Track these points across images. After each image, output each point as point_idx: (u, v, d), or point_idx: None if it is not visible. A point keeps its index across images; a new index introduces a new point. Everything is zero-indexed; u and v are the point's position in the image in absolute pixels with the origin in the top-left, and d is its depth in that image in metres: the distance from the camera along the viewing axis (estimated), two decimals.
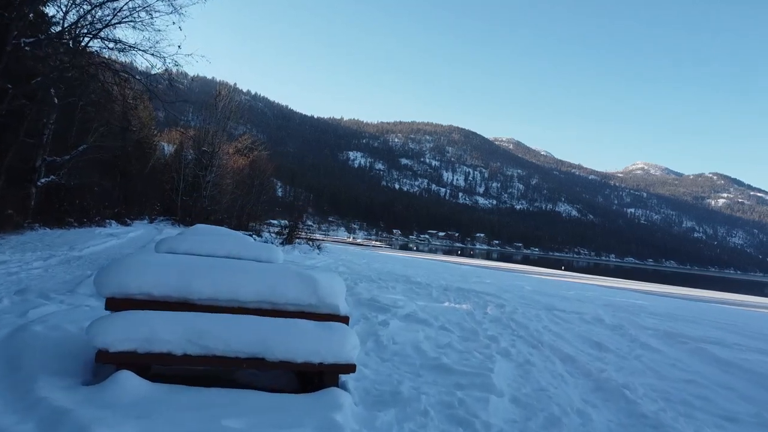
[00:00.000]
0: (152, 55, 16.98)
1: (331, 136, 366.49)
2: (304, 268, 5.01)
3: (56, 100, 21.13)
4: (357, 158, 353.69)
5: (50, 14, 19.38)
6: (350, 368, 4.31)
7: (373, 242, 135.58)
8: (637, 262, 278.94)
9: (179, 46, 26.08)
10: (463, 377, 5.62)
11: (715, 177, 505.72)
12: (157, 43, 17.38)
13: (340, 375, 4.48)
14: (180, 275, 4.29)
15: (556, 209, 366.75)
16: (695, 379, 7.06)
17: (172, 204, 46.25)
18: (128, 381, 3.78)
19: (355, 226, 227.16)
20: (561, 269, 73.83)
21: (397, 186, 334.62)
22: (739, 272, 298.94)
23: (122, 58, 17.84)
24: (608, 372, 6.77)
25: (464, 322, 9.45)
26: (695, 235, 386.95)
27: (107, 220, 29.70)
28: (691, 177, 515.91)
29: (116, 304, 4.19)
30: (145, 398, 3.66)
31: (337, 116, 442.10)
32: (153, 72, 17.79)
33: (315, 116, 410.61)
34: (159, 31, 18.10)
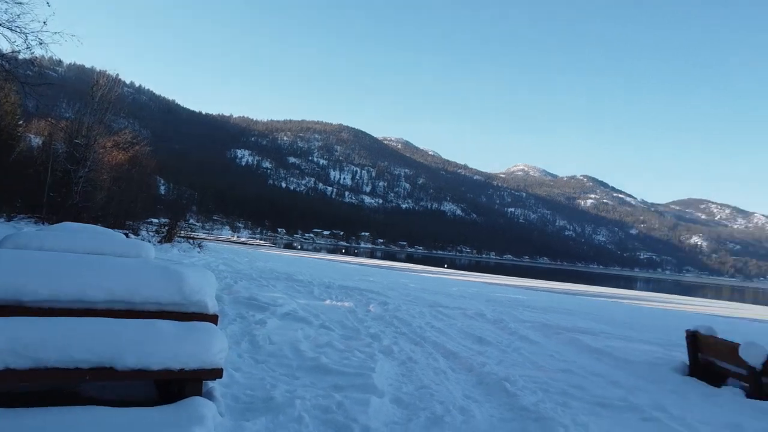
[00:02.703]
0: (10, 29, 14.98)
1: (220, 134, 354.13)
2: (169, 263, 4.48)
3: None
4: (245, 156, 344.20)
5: None
6: (216, 373, 3.84)
7: (257, 241, 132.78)
8: (514, 259, 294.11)
9: (44, 23, 22.56)
10: (342, 378, 5.33)
11: (585, 179, 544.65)
12: (18, 16, 15.11)
13: (205, 382, 4.00)
14: (10, 273, 3.63)
15: (442, 208, 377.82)
16: (570, 369, 7.25)
17: (38, 200, 42.27)
18: None
19: (240, 225, 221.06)
20: (444, 267, 76.02)
21: (284, 185, 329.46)
22: (601, 267, 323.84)
23: None
24: (490, 366, 6.77)
25: (346, 320, 9.20)
26: (566, 233, 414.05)
27: None
28: (565, 179, 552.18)
29: None
30: None
31: (227, 113, 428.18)
32: (12, 49, 15.70)
33: (203, 112, 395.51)
34: (20, 3, 15.85)
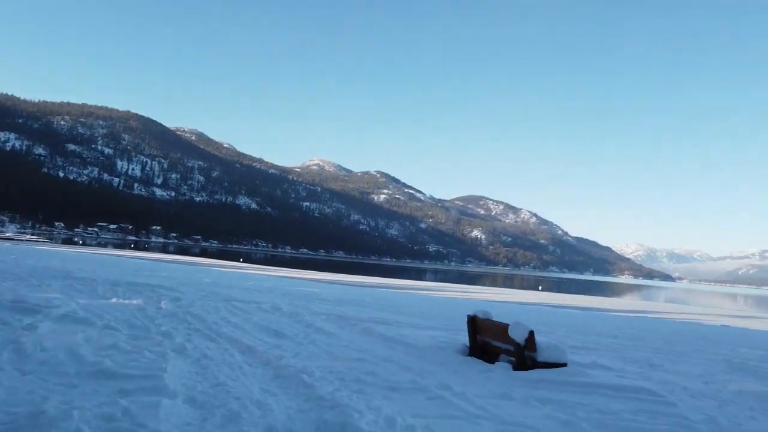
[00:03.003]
0: None
1: None
2: None
3: None
4: (10, 140, 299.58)
5: None
6: None
7: (28, 236, 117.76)
8: (310, 252, 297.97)
9: None
10: (129, 381, 4.94)
11: (378, 175, 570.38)
12: None
13: None
14: None
15: (237, 202, 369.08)
16: (365, 357, 7.55)
17: None
18: None
19: (5, 218, 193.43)
20: (240, 261, 74.65)
21: (62, 174, 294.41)
22: (394, 260, 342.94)
23: None
24: (287, 359, 6.79)
25: (135, 319, 8.57)
26: (361, 227, 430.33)
27: None
28: (359, 174, 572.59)
29: None
30: None
31: None
32: None
33: None
34: None
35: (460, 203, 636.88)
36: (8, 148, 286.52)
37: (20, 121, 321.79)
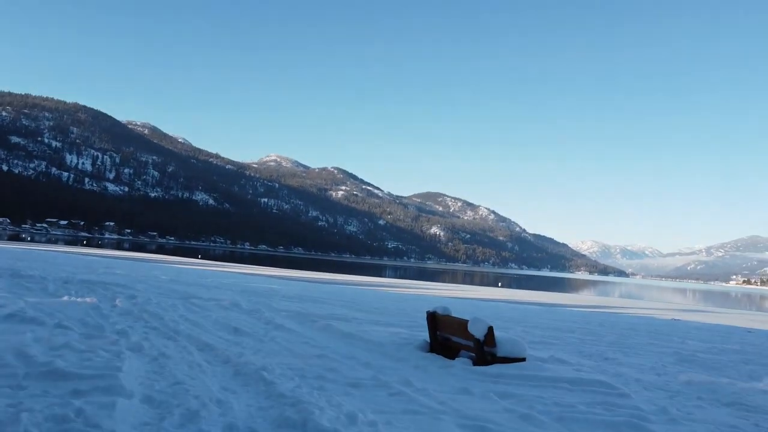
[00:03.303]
0: None
1: None
2: None
3: None
4: None
5: None
6: None
7: None
8: (269, 249, 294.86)
9: None
10: (83, 382, 4.79)
11: (336, 171, 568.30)
12: None
13: None
14: None
15: (193, 198, 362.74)
16: (325, 354, 7.51)
17: None
18: None
19: None
20: (198, 258, 73.43)
21: (5, 167, 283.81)
22: (353, 256, 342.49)
23: None
24: (246, 356, 6.71)
25: (88, 317, 8.33)
26: (320, 223, 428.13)
27: None
28: (317, 170, 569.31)
29: None
30: None
31: None
32: None
33: None
34: None
35: (419, 200, 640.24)
36: None
37: None
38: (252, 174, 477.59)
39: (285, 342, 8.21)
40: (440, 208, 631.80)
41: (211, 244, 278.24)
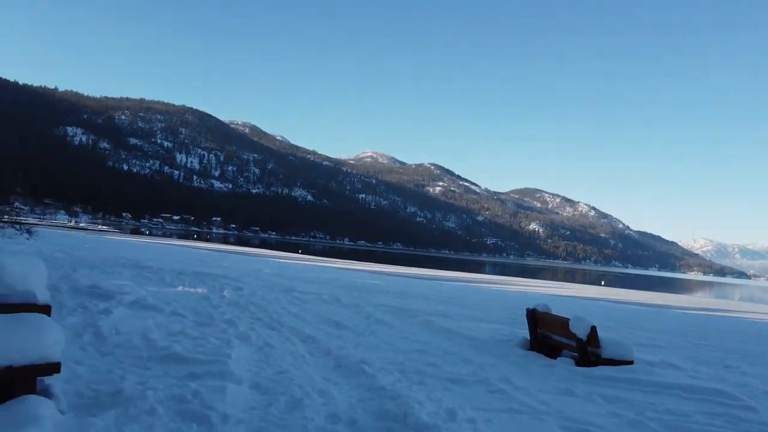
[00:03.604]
0: None
1: (44, 109, 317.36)
2: None
3: None
4: (77, 135, 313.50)
5: None
6: (52, 368, 3.48)
7: (100, 227, 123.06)
8: (368, 244, 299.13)
9: None
10: (197, 366, 5.11)
11: (432, 167, 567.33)
12: None
13: (41, 378, 3.62)
14: None
15: (293, 194, 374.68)
16: (425, 349, 7.53)
17: None
18: None
19: (78, 209, 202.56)
20: (299, 252, 75.80)
21: (125, 167, 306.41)
22: (452, 252, 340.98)
23: None
24: (347, 349, 6.85)
25: (200, 306, 8.83)
26: (418, 219, 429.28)
27: None
28: (414, 166, 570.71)
29: None
30: None
31: (50, 85, 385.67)
32: None
33: (20, 83, 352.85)
34: None
35: (516, 196, 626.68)
36: (76, 143, 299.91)
37: (84, 116, 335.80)
38: (349, 170, 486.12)
39: (385, 336, 8.31)
40: (538, 204, 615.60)
41: (311, 239, 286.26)
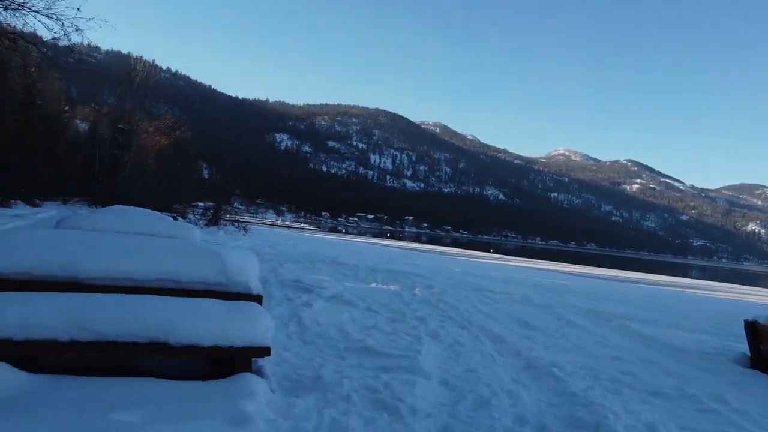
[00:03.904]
0: (47, 17, 15.44)
1: (257, 118, 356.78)
2: (213, 245, 4.54)
3: None
4: (284, 140, 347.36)
5: None
6: (264, 351, 3.90)
7: (302, 225, 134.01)
8: (561, 244, 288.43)
9: (78, 9, 24.17)
10: (389, 360, 5.33)
11: (629, 164, 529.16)
12: (53, 2, 15.65)
13: (255, 359, 4.06)
14: (67, 252, 3.74)
15: (484, 193, 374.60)
16: (621, 356, 7.06)
17: (88, 185, 43.80)
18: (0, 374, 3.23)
19: (284, 208, 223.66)
20: (490, 252, 75.41)
21: (324, 168, 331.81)
22: (652, 254, 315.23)
23: (13, 20, 16.13)
24: (537, 351, 6.66)
25: (392, 303, 9.19)
26: (613, 218, 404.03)
27: (12, 201, 27.63)
28: (608, 163, 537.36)
29: None
30: (17, 395, 3.13)
31: (263, 98, 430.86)
32: (52, 37, 16.20)
33: (240, 97, 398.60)
34: None
35: (729, 193, 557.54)
36: (283, 148, 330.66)
37: (290, 123, 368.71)
38: (540, 168, 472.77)
39: (577, 340, 7.94)
40: (759, 202, 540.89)
41: (503, 238, 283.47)
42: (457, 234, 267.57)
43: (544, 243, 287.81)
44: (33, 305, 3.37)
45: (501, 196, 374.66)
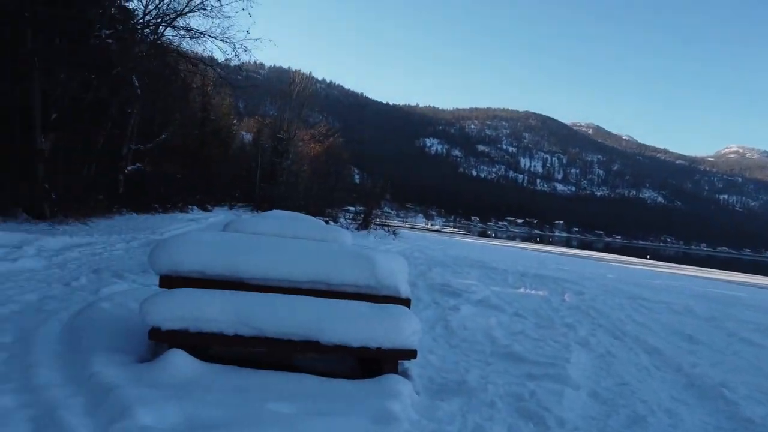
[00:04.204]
0: (222, 41, 17.50)
1: (407, 123, 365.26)
2: (364, 248, 4.74)
3: (139, 91, 21.90)
4: (434, 145, 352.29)
5: (131, 8, 20.18)
6: (410, 354, 4.01)
7: (451, 229, 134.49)
8: (732, 251, 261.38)
9: (247, 31, 27.76)
10: (535, 367, 5.21)
11: None
12: (227, 29, 18.00)
13: (401, 361, 4.19)
14: (233, 254, 4.12)
15: (640, 195, 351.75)
16: None
17: (251, 191, 47.49)
18: (179, 360, 3.66)
19: (433, 212, 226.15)
20: (646, 258, 70.60)
21: (474, 173, 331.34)
22: None
23: (196, 47, 18.45)
24: (702, 367, 6.13)
25: (540, 309, 8.96)
26: None
27: (189, 206, 30.71)
28: None
29: (169, 281, 4.09)
30: (193, 379, 3.52)
31: (412, 103, 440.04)
32: (225, 58, 18.35)
33: (390, 103, 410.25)
34: (228, 17, 18.82)
35: None
36: (432, 152, 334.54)
37: (440, 128, 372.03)
38: (707, 168, 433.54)
39: (752, 358, 7.16)
40: None
41: (661, 244, 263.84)
42: (610, 239, 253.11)
43: (710, 249, 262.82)
44: (205, 301, 3.76)
45: (660, 199, 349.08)
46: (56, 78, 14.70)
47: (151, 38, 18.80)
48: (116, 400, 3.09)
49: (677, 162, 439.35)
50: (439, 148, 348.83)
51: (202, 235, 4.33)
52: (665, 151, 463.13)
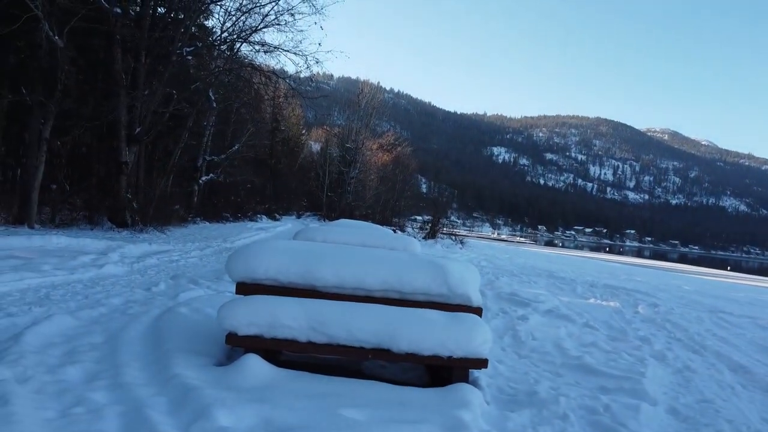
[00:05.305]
0: (295, 54, 17.98)
1: (475, 132, 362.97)
2: (435, 257, 4.76)
3: (215, 104, 22.82)
4: (501, 154, 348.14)
5: (209, 26, 21.16)
6: (481, 363, 3.99)
7: (518, 238, 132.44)
8: None
9: (319, 44, 28.61)
10: (609, 380, 5.06)
11: None
12: (300, 42, 18.69)
13: (471, 370, 4.18)
14: (306, 262, 4.23)
15: (720, 203, 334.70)
16: None
17: (318, 200, 48.36)
18: (254, 365, 3.79)
19: (500, 222, 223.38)
20: (727, 269, 67.11)
21: (542, 181, 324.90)
22: None
23: (269, 60, 19.17)
24: None
25: (612, 320, 8.70)
26: None
27: (258, 215, 31.63)
28: None
29: (245, 288, 4.24)
30: (268, 383, 3.64)
31: (480, 112, 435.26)
32: (296, 70, 18.91)
33: (458, 112, 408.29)
34: (301, 31, 19.39)
35: None
36: (500, 161, 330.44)
37: (507, 136, 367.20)
38: None
39: None
40: None
41: (743, 254, 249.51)
42: (686, 249, 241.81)
43: None
44: (280, 308, 3.88)
45: (742, 207, 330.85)
46: (140, 93, 15.55)
47: (227, 53, 19.59)
48: (196, 401, 3.24)
49: (763, 168, 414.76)
50: (506, 157, 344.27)
51: (276, 244, 4.48)
52: (750, 156, 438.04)
